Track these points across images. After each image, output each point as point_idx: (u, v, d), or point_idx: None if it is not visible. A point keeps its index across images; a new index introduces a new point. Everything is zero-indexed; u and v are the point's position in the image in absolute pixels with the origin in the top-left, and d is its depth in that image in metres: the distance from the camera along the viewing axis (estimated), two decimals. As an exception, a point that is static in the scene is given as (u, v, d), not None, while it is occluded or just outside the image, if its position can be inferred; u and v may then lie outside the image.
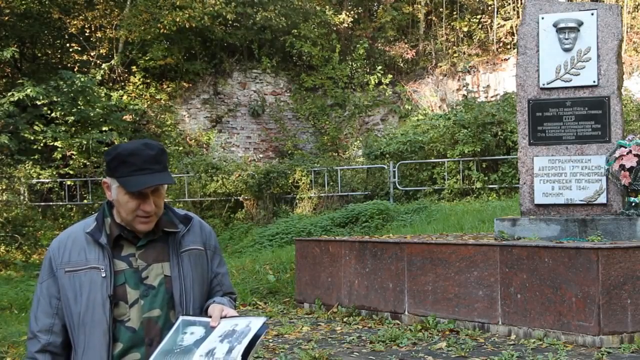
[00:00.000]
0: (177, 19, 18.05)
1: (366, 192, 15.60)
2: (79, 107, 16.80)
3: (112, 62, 19.02)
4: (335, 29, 21.35)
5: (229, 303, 2.42)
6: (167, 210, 2.41)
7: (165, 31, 18.39)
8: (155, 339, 2.26)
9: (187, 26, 18.32)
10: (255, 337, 2.15)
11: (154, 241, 2.34)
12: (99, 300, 2.25)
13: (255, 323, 2.19)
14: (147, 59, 18.95)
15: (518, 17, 18.26)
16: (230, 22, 20.38)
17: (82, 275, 2.27)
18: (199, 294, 2.36)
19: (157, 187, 2.26)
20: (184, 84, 20.03)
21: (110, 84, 19.26)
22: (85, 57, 19.40)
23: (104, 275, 2.26)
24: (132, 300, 2.27)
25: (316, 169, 16.14)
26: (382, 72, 20.47)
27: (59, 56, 20.31)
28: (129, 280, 2.28)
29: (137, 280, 2.29)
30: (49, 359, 2.32)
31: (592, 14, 7.30)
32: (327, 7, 21.28)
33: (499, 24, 20.42)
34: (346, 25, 21.34)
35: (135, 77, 19.24)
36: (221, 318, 2.23)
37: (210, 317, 2.25)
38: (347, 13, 21.32)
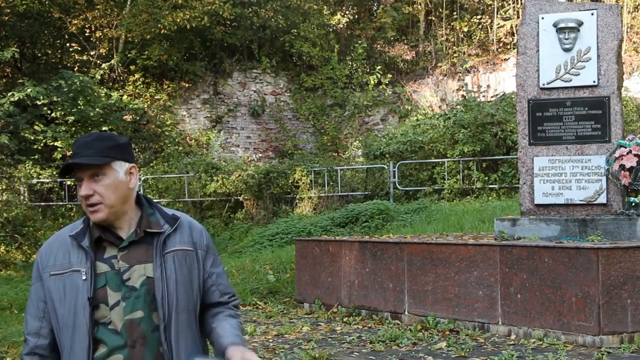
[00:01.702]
0: (177, 19, 18.05)
1: (366, 192, 15.60)
2: (79, 107, 16.80)
3: (112, 61, 19.02)
4: (333, 29, 21.36)
5: (241, 339, 2.36)
6: (153, 211, 2.39)
7: (165, 31, 18.39)
8: (138, 341, 2.24)
9: (187, 26, 18.32)
10: None
11: (137, 242, 2.31)
12: (80, 303, 2.24)
13: None
14: (144, 57, 18.95)
15: (518, 17, 18.26)
16: (229, 22, 20.37)
17: (66, 278, 2.27)
18: (185, 295, 2.32)
19: (93, 172, 2.24)
20: (184, 84, 20.03)
21: (110, 84, 19.26)
22: (85, 57, 19.39)
23: (84, 277, 2.25)
24: (113, 303, 2.25)
25: (316, 169, 16.13)
26: (381, 72, 20.47)
27: (59, 56, 20.31)
28: (110, 282, 2.26)
29: (118, 282, 2.27)
30: None
31: (592, 14, 7.30)
32: (325, 7, 21.26)
33: (498, 24, 20.42)
34: (342, 26, 21.35)
35: (134, 76, 19.25)
36: None
37: None
38: (342, 14, 21.32)
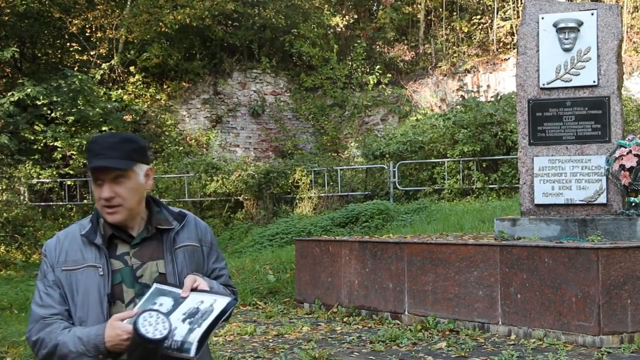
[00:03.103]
0: (179, 17, 18.04)
1: (366, 192, 15.60)
2: (78, 107, 16.80)
3: (112, 62, 19.02)
4: (334, 30, 21.36)
5: (211, 281, 2.38)
6: (161, 209, 2.42)
7: (165, 29, 18.36)
8: None
9: (188, 22, 18.26)
10: (220, 316, 2.16)
11: (148, 239, 2.34)
12: (95, 298, 2.25)
13: (220, 303, 2.19)
14: (144, 58, 18.95)
15: (518, 18, 18.26)
16: (230, 21, 20.36)
17: (79, 273, 2.27)
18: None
19: (116, 175, 2.25)
20: (184, 84, 20.03)
21: (110, 84, 19.26)
22: (85, 57, 19.40)
23: (101, 273, 2.26)
24: (129, 299, 2.27)
25: (316, 169, 16.14)
26: (380, 71, 20.46)
27: (59, 56, 20.31)
28: (125, 279, 2.28)
29: (132, 278, 2.29)
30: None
31: (592, 14, 7.30)
32: (326, 7, 21.26)
33: (498, 24, 20.42)
34: (339, 29, 21.34)
35: (135, 77, 19.25)
36: (192, 290, 2.22)
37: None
38: (342, 16, 21.31)
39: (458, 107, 16.25)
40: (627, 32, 16.96)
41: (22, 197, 15.93)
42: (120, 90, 18.95)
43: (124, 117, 18.40)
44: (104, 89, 18.44)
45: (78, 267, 2.28)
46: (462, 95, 17.01)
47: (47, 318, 2.26)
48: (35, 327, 2.27)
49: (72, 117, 16.81)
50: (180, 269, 2.33)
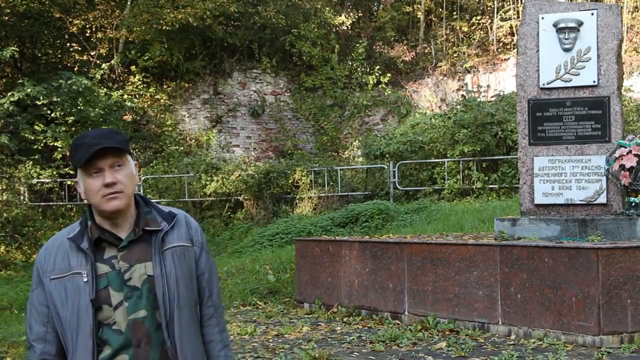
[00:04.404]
0: (180, 17, 18.04)
1: (366, 192, 15.60)
2: (78, 107, 16.81)
3: (112, 62, 19.02)
4: (335, 30, 21.36)
5: None
6: (150, 208, 2.39)
7: (166, 28, 18.35)
8: (142, 340, 2.24)
9: (189, 21, 18.25)
10: None
11: (136, 241, 2.31)
12: (82, 305, 2.24)
13: None
14: (145, 58, 18.95)
15: (518, 18, 18.26)
16: (231, 21, 20.35)
17: (67, 281, 2.27)
18: (185, 291, 2.32)
19: (114, 162, 2.25)
20: (184, 84, 20.03)
21: (110, 84, 19.26)
22: (85, 57, 19.40)
23: (85, 280, 2.24)
24: (116, 303, 2.25)
25: (316, 169, 16.14)
26: (380, 71, 20.46)
27: (59, 56, 20.30)
28: (112, 283, 2.26)
29: (120, 282, 2.27)
30: None
31: (592, 14, 7.30)
32: (328, 7, 21.27)
33: (498, 24, 20.43)
34: (345, 27, 21.35)
35: (135, 77, 19.25)
36: None
37: None
38: (347, 15, 21.31)
39: (458, 107, 16.25)
40: (627, 32, 16.96)
41: (22, 197, 15.93)
42: (120, 90, 18.95)
43: (124, 117, 18.40)
44: (104, 89, 18.43)
45: (65, 275, 2.27)
46: (463, 95, 17.03)
47: (31, 347, 2.34)
48: (28, 352, 2.36)
49: (72, 117, 16.81)
50: (168, 271, 2.29)
